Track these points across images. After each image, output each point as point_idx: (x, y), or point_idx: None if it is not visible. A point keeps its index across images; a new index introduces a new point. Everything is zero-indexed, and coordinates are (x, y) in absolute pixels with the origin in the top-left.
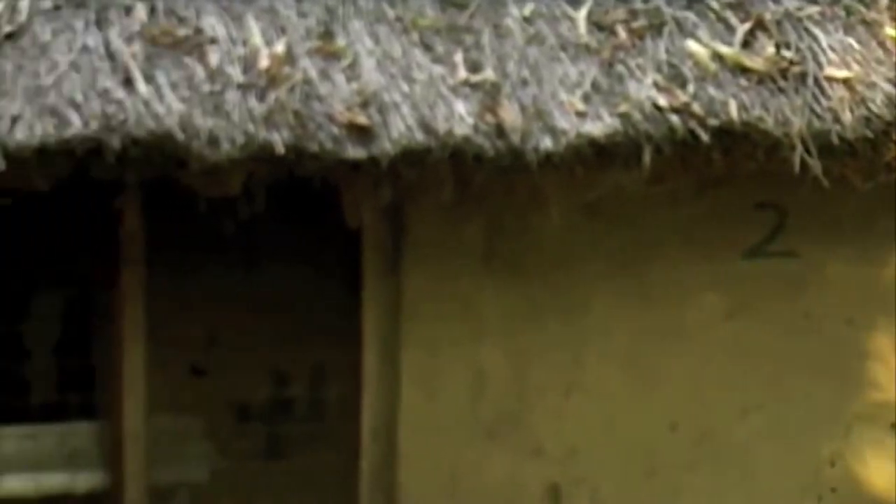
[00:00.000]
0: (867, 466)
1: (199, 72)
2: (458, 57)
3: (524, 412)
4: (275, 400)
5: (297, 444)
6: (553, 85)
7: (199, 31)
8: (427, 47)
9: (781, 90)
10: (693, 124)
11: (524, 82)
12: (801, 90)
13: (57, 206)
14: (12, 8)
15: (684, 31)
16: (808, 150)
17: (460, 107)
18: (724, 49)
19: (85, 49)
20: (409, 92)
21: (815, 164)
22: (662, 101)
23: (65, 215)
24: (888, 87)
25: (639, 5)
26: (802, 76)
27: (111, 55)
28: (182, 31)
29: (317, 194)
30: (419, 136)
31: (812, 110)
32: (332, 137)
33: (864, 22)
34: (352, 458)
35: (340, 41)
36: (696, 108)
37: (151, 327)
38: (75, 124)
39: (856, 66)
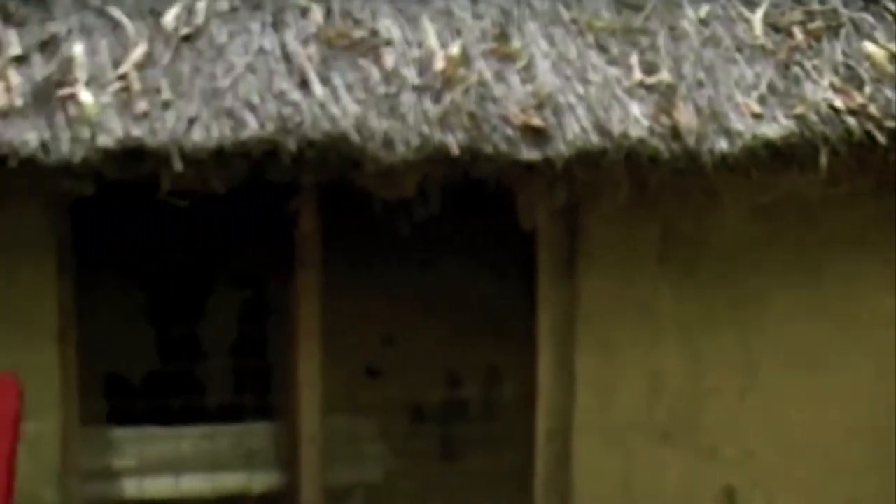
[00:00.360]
0: None
1: (375, 74)
2: (634, 59)
3: (699, 415)
4: (449, 401)
5: (471, 444)
6: (729, 86)
7: (374, 33)
8: (602, 49)
9: None
10: (870, 126)
11: (700, 84)
12: None
13: (233, 208)
14: (189, 10)
15: (861, 32)
16: None
17: (635, 108)
18: None
19: (261, 51)
20: (584, 94)
21: None
22: (839, 103)
23: (241, 217)
24: None
25: (815, 7)
26: None
27: (287, 57)
28: (358, 33)
29: (492, 195)
30: (594, 138)
31: None
32: (507, 139)
33: None
34: (526, 459)
35: (516, 43)
36: (873, 109)
37: (327, 328)
38: (251, 126)
39: None
